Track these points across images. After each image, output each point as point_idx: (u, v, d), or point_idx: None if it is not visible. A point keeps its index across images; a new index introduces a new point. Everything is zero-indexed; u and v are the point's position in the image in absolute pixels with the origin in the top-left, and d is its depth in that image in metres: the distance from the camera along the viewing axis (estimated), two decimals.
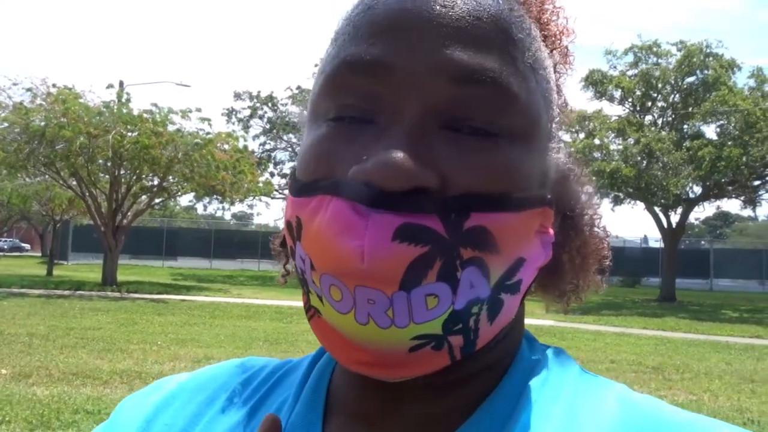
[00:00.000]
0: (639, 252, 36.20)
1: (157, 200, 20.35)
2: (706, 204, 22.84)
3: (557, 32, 0.55)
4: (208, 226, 38.62)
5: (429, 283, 0.41)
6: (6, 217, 37.35)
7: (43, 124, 15.14)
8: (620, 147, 20.85)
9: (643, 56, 22.76)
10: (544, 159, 0.49)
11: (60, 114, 15.31)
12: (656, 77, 21.98)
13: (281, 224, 0.51)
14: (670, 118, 22.73)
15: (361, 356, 0.44)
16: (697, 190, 21.60)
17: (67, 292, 15.32)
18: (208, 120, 17.94)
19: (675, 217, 22.25)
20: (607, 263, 0.56)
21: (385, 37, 0.45)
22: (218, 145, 17.46)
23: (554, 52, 0.55)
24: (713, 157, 18.66)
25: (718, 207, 32.04)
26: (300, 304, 0.49)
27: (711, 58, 21.34)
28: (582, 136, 22.07)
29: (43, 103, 15.91)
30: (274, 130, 30.67)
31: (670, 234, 22.02)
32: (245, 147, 19.95)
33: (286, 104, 29.89)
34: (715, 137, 20.64)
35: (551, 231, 0.49)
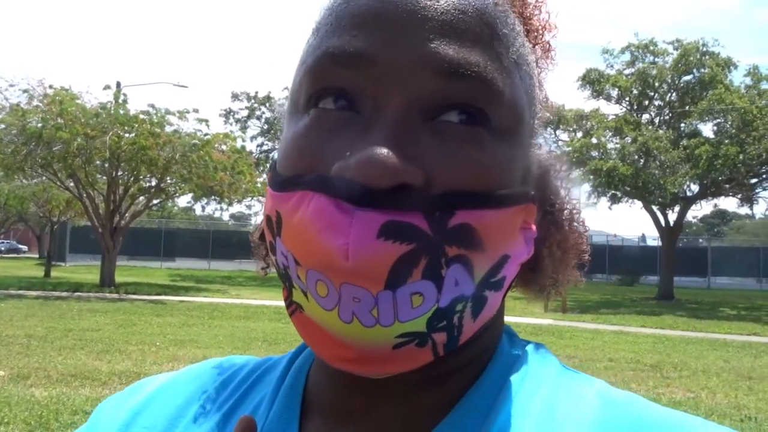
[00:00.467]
0: (637, 250, 36.27)
1: (154, 201, 20.32)
2: (703, 202, 22.89)
3: (539, 27, 0.54)
4: (207, 226, 38.57)
5: (414, 281, 0.41)
6: (3, 219, 37.27)
7: (40, 125, 15.11)
8: (617, 146, 20.88)
9: (640, 55, 22.81)
10: (527, 155, 0.49)
11: (56, 115, 15.28)
12: (653, 76, 22.02)
13: None
14: (667, 117, 22.77)
15: (345, 353, 0.43)
16: (695, 188, 21.65)
17: (65, 294, 15.29)
18: (206, 121, 17.95)
19: (672, 216, 22.30)
20: (586, 258, 0.56)
21: (368, 29, 0.44)
22: (216, 145, 17.45)
23: (536, 47, 0.54)
24: (710, 155, 18.68)
25: (716, 205, 32.17)
26: None
27: (707, 57, 21.38)
28: (579, 135, 22.12)
29: (40, 104, 15.87)
30: (272, 131, 30.66)
31: (667, 232, 22.05)
32: (243, 147, 19.93)
33: (284, 104, 29.91)
34: (712, 135, 20.68)
35: (534, 227, 0.49)
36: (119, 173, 17.45)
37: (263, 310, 13.51)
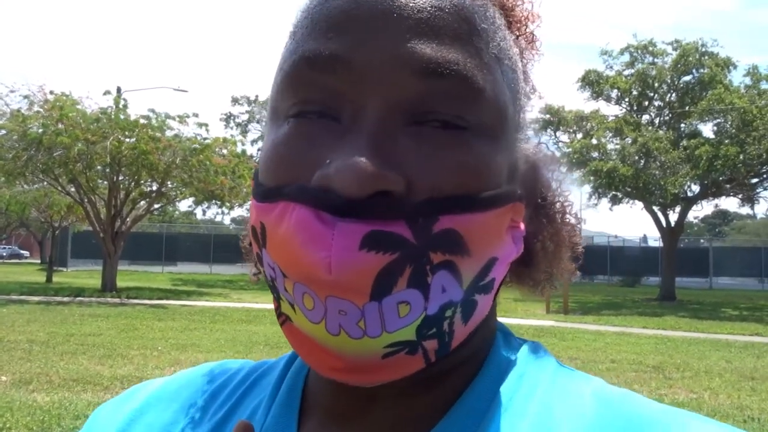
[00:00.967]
0: (638, 251, 36.24)
1: (155, 206, 20.34)
2: (704, 202, 22.86)
3: (522, 18, 0.53)
4: (208, 231, 38.57)
5: (400, 290, 0.40)
6: (5, 225, 37.31)
7: (40, 131, 15.13)
8: (618, 146, 20.88)
9: (639, 56, 22.81)
10: (512, 152, 0.48)
11: (57, 120, 15.31)
12: (652, 77, 22.02)
13: None
14: (667, 118, 22.76)
15: (334, 363, 0.43)
16: (695, 188, 21.63)
17: (66, 299, 15.30)
18: (206, 125, 17.97)
19: (674, 216, 22.28)
20: (580, 250, 0.56)
21: (343, 31, 0.43)
22: (216, 150, 17.47)
23: (520, 38, 0.53)
24: (710, 155, 18.67)
25: (717, 205, 32.11)
26: None
27: (706, 57, 21.38)
28: (579, 136, 22.12)
29: (41, 110, 15.90)
30: None
31: (669, 233, 22.04)
32: (243, 151, 19.95)
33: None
34: (712, 136, 20.66)
35: (522, 225, 0.48)
36: (120, 178, 17.46)
37: (265, 313, 13.50)
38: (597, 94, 22.64)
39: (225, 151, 18.04)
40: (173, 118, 17.43)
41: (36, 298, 15.24)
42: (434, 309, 0.42)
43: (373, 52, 0.42)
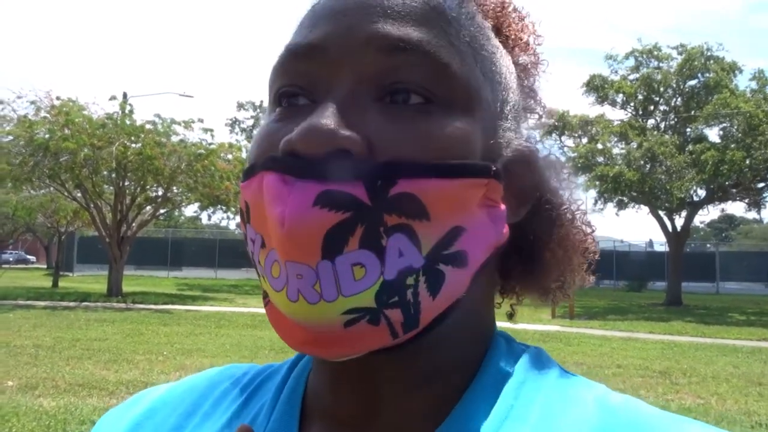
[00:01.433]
0: (644, 256, 36.08)
1: (161, 211, 20.40)
2: (710, 207, 22.78)
3: (516, 30, 0.56)
4: (213, 235, 38.61)
5: (352, 250, 0.41)
6: (11, 230, 37.46)
7: (47, 136, 15.21)
8: (623, 151, 20.83)
9: (644, 60, 22.77)
10: (491, 134, 0.48)
11: (63, 126, 15.39)
12: (658, 81, 21.97)
13: None
14: (672, 122, 22.70)
15: (301, 335, 0.44)
16: (701, 193, 21.55)
17: (72, 304, 15.35)
18: (211, 130, 18.05)
19: (680, 221, 22.17)
20: (594, 257, 0.55)
21: (323, 23, 0.47)
22: (221, 155, 17.53)
23: (516, 49, 0.56)
24: (716, 160, 18.58)
25: (723, 210, 31.85)
26: None
27: (712, 61, 21.32)
28: (585, 140, 22.08)
29: (47, 115, 15.99)
30: None
31: (675, 238, 21.94)
32: None
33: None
34: (718, 140, 20.59)
35: (502, 206, 0.48)
36: (126, 183, 17.54)
37: None
38: (602, 99, 22.58)
39: (230, 157, 18.11)
40: (179, 124, 17.53)
41: (42, 303, 15.30)
42: (392, 274, 0.42)
43: (347, 38, 0.46)
